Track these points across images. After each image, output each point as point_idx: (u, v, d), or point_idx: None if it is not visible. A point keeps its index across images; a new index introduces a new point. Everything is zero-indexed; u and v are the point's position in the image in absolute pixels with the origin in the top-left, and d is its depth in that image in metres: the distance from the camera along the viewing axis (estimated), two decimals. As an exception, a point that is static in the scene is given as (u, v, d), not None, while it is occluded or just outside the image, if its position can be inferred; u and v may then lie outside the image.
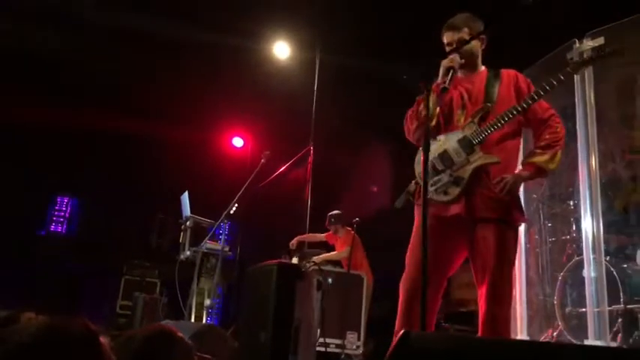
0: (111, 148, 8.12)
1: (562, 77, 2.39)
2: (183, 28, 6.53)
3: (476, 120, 2.48)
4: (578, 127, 3.68)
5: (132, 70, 7.33)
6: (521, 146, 2.74)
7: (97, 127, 7.60)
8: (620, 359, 1.17)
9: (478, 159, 2.41)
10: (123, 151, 8.18)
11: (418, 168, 2.56)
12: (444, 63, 2.51)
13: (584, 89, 3.66)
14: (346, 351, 4.98)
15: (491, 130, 2.41)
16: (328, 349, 4.67)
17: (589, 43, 3.64)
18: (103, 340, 1.26)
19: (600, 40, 3.58)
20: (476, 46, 2.62)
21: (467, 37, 2.55)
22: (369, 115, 7.63)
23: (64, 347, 1.16)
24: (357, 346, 5.12)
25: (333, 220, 6.14)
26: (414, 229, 2.57)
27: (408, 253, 2.53)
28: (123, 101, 7.64)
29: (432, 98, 2.49)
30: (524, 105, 2.39)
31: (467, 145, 2.45)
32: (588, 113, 3.62)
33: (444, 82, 2.44)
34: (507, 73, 2.60)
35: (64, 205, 8.59)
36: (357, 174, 8.63)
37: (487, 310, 2.33)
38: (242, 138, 9.10)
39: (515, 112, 2.39)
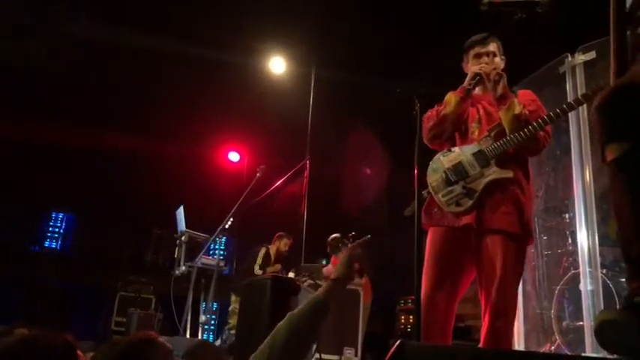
0: (107, 164, 8.10)
1: (580, 101, 2.44)
2: (180, 44, 6.58)
3: (492, 135, 2.49)
4: (572, 140, 3.70)
5: (128, 87, 7.36)
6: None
7: (93, 142, 7.59)
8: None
9: (493, 173, 2.42)
10: (119, 167, 8.16)
11: (431, 178, 2.55)
12: (473, 69, 2.58)
13: (578, 103, 3.69)
14: (343, 367, 4.93)
15: (507, 146, 2.42)
16: (325, 365, 4.62)
17: (581, 57, 3.68)
18: (81, 354, 1.36)
19: (592, 54, 3.62)
20: (500, 64, 2.66)
21: (495, 52, 2.63)
22: (365, 128, 7.66)
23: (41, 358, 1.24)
24: (354, 362, 5.07)
25: (340, 245, 6.06)
26: (427, 245, 2.55)
27: (424, 270, 2.49)
28: (119, 117, 7.66)
29: (453, 99, 2.56)
30: (542, 123, 2.40)
31: (482, 158, 2.46)
32: (582, 127, 3.64)
33: (469, 85, 2.51)
34: (523, 93, 2.63)
35: (58, 220, 8.55)
36: (353, 187, 8.63)
37: (490, 324, 2.30)
38: (238, 152, 9.12)
39: (533, 130, 2.39)
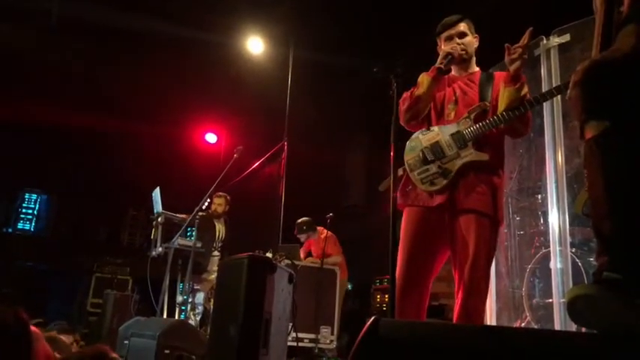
0: (81, 145, 7.97)
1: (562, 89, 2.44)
2: (156, 23, 6.45)
3: (472, 116, 2.51)
4: (545, 122, 3.75)
5: (103, 66, 7.21)
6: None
7: (67, 122, 7.44)
8: (578, 342, 1.20)
9: (469, 155, 2.45)
10: (94, 148, 8.04)
11: (408, 155, 2.57)
12: (445, 48, 2.59)
13: (551, 84, 3.74)
14: (320, 345, 5.00)
15: (486, 129, 2.45)
16: (302, 344, 4.68)
17: (555, 40, 3.72)
18: (35, 329, 1.36)
19: (566, 37, 3.66)
20: (472, 42, 2.67)
21: (466, 31, 2.63)
22: (343, 110, 7.65)
23: None
24: (331, 341, 5.14)
25: (304, 228, 6.05)
26: (402, 225, 2.57)
27: (399, 249, 2.52)
28: (94, 97, 7.51)
29: (426, 80, 2.56)
30: (522, 109, 2.40)
31: (460, 139, 2.49)
32: (555, 108, 3.70)
33: (441, 64, 2.52)
34: (499, 75, 2.61)
35: (32, 202, 8.40)
36: (331, 168, 8.65)
37: (463, 302, 2.35)
38: (215, 134, 9.04)
39: (516, 113, 2.41)
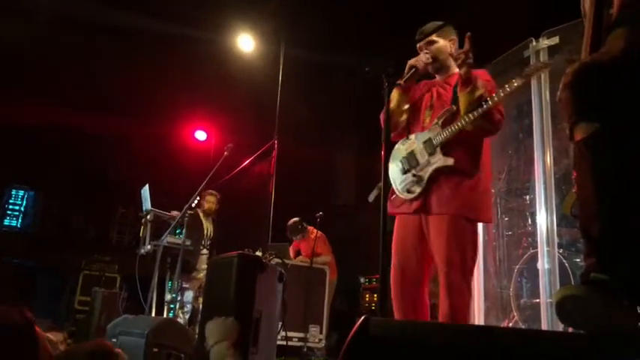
0: (70, 141, 7.90)
1: (516, 84, 2.44)
2: (146, 19, 6.40)
3: (440, 122, 2.56)
4: (534, 123, 3.79)
5: (92, 63, 7.15)
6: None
7: (55, 119, 7.38)
8: (566, 343, 1.22)
9: (437, 161, 2.52)
10: (83, 144, 7.97)
11: (390, 166, 2.65)
12: (410, 62, 2.62)
13: (540, 86, 3.78)
14: (308, 344, 5.01)
15: (448, 133, 2.49)
16: (291, 342, 4.68)
17: (545, 42, 3.76)
18: (39, 329, 1.36)
19: (556, 40, 3.70)
20: (444, 46, 2.69)
21: (434, 39, 2.66)
22: (334, 108, 7.66)
23: None
24: (320, 339, 5.15)
25: (299, 228, 6.03)
26: (394, 232, 2.66)
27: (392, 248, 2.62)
28: (83, 94, 7.44)
29: (395, 94, 2.62)
30: (480, 111, 2.41)
31: (430, 146, 2.56)
32: (544, 110, 3.74)
33: (403, 78, 2.56)
34: (477, 73, 2.56)
35: (19, 198, 8.31)
36: (321, 167, 8.65)
37: (443, 300, 2.42)
38: (205, 131, 9.01)
39: (475, 115, 2.42)
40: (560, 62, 3.66)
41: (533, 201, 4.01)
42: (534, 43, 3.83)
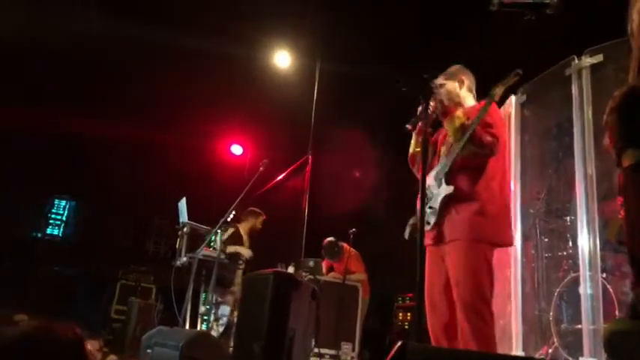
0: (110, 153, 8.12)
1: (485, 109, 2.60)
2: (186, 36, 6.57)
3: (445, 155, 2.78)
4: (575, 142, 3.67)
5: (134, 76, 7.36)
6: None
7: (97, 131, 7.61)
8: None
9: (442, 191, 2.68)
10: (122, 156, 8.18)
11: (418, 200, 2.75)
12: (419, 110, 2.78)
13: (582, 104, 3.66)
14: (340, 361, 4.96)
15: (447, 164, 2.66)
16: (323, 360, 4.65)
17: (588, 60, 3.66)
18: (89, 346, 1.37)
19: (599, 58, 3.60)
20: (452, 87, 2.89)
21: (441, 82, 2.88)
22: (368, 124, 7.65)
23: (50, 349, 1.25)
24: (352, 357, 5.09)
25: (336, 250, 6.01)
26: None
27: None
28: (124, 107, 7.66)
29: (414, 137, 2.93)
30: (465, 137, 2.57)
31: (438, 178, 2.74)
32: (585, 129, 3.61)
33: (411, 124, 2.82)
34: (489, 110, 2.74)
35: (61, 207, 8.58)
36: (355, 183, 8.63)
37: (460, 323, 2.48)
38: (241, 146, 9.12)
39: (460, 144, 2.59)
40: (605, 80, 3.57)
41: (574, 223, 3.89)
42: (576, 61, 3.74)
